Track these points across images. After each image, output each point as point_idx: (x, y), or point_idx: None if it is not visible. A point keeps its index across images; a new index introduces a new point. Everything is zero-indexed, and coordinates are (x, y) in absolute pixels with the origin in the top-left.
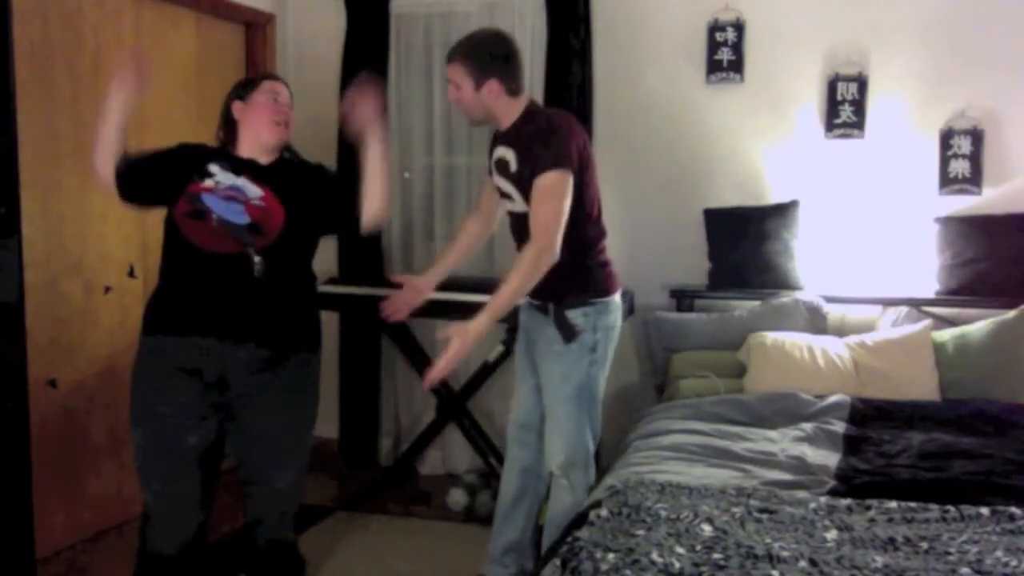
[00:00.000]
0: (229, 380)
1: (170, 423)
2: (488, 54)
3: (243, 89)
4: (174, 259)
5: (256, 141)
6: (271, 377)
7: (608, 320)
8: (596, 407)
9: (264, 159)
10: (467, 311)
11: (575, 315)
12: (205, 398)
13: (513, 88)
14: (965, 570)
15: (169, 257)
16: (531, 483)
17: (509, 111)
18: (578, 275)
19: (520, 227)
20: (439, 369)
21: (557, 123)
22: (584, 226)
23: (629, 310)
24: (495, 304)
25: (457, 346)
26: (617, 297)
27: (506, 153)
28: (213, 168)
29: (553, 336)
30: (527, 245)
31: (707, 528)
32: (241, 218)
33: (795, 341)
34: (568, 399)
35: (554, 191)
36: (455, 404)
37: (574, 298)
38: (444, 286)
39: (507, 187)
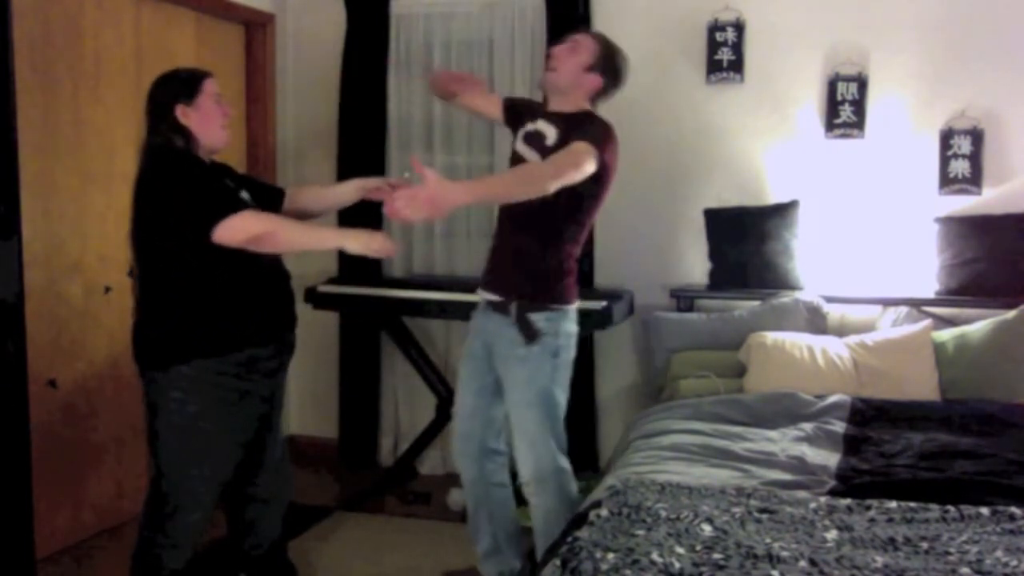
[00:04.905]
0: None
1: (236, 447)
2: (615, 65)
3: (187, 94)
4: (243, 275)
5: (210, 149)
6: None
7: (570, 327)
8: (559, 412)
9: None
10: (467, 311)
11: (538, 319)
12: (266, 402)
13: (596, 97)
14: (965, 570)
15: (233, 274)
16: (482, 495)
17: (576, 102)
18: (547, 275)
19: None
20: (402, 203)
21: (608, 128)
22: (573, 234)
23: (629, 310)
24: (484, 184)
25: (430, 202)
26: (575, 306)
27: (546, 128)
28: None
29: (515, 338)
30: (538, 162)
31: (707, 528)
32: None
33: (795, 341)
34: (531, 404)
35: (581, 155)
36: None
37: (535, 302)
38: (444, 286)
39: (531, 156)
